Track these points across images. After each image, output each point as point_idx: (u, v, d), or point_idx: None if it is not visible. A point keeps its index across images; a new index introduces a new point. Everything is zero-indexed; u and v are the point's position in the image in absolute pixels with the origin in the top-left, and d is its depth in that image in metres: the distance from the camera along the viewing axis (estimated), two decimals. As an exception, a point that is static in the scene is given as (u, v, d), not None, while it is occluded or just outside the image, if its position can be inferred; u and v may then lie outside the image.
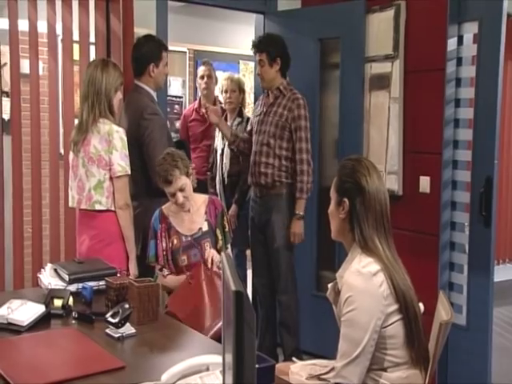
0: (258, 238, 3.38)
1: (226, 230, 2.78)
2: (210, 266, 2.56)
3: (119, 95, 2.74)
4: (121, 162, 2.65)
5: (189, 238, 2.72)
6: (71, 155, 2.78)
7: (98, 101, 2.64)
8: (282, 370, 1.94)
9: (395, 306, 1.68)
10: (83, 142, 2.68)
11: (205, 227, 2.74)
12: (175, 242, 2.72)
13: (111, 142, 2.63)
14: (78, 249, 2.84)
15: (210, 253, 2.61)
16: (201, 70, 4.24)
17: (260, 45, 3.29)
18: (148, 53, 2.99)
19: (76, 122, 2.82)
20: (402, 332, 1.69)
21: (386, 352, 1.69)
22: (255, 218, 3.39)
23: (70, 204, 2.83)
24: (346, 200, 1.79)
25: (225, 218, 2.80)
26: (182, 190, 2.66)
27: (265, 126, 3.29)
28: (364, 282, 1.67)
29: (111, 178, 2.67)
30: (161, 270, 2.73)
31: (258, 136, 3.33)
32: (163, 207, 2.78)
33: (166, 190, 2.67)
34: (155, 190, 2.80)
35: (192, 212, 2.75)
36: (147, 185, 2.91)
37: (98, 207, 2.68)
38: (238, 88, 3.97)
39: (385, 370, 1.71)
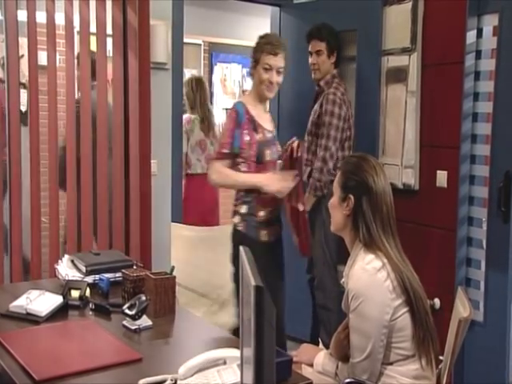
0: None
1: None
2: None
3: None
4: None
5: (270, 134, 2.62)
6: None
7: None
8: (310, 352, 1.95)
9: (402, 299, 1.70)
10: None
11: (274, 131, 2.71)
12: (260, 135, 2.56)
13: None
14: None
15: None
16: None
17: (321, 33, 3.18)
18: None
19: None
20: (410, 324, 1.70)
21: (396, 345, 1.71)
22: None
23: (200, 171, 4.16)
24: (351, 197, 1.78)
25: None
26: (278, 72, 2.55)
27: (308, 123, 3.26)
28: (369, 277, 1.70)
29: None
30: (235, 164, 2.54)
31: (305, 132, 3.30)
32: (242, 100, 2.66)
33: (264, 59, 2.51)
34: None
35: (266, 111, 2.69)
36: None
37: None
38: None
39: (395, 363, 1.72)
